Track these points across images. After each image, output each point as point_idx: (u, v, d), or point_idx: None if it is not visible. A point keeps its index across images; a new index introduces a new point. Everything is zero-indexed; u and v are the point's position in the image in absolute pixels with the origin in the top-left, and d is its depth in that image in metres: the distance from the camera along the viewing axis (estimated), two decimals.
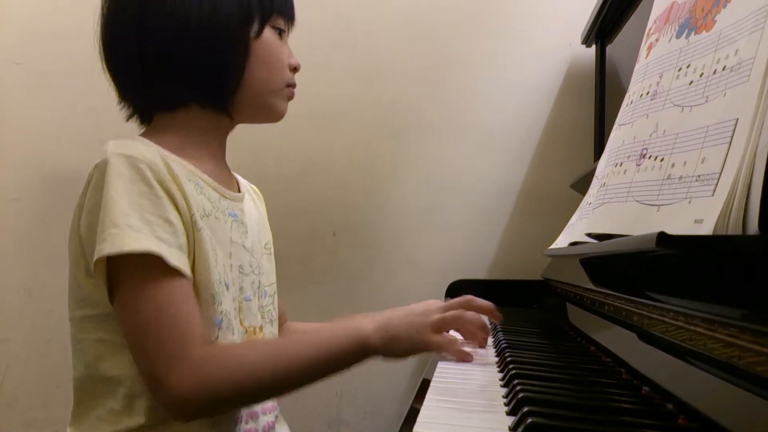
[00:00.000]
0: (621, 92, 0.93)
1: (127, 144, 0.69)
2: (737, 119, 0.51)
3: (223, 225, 0.75)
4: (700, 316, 0.50)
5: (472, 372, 0.74)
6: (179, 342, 0.65)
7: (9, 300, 1.54)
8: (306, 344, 0.73)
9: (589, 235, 0.79)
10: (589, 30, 1.39)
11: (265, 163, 1.51)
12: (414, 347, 0.75)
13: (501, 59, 1.55)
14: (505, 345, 0.82)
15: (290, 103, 0.83)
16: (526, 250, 1.49)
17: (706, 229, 0.49)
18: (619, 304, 0.73)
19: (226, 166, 0.85)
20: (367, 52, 1.56)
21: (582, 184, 1.19)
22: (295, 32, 0.84)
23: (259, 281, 0.82)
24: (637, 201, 0.67)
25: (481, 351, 0.84)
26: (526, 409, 0.52)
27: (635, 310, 0.67)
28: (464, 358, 0.78)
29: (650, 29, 0.83)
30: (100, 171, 0.67)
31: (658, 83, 0.73)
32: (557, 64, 1.53)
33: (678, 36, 0.71)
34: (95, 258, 0.65)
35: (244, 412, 0.76)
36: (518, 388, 0.59)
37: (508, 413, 0.56)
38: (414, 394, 0.67)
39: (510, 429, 0.51)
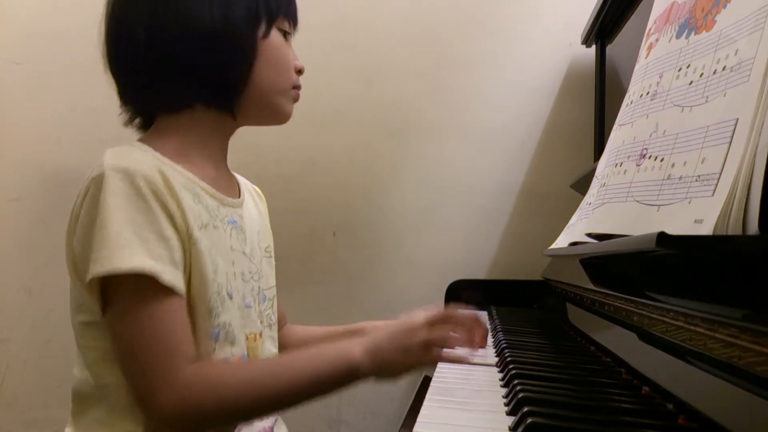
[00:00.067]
0: (621, 92, 0.93)
1: (124, 154, 0.69)
2: (737, 119, 0.51)
3: (222, 233, 0.75)
4: (700, 316, 0.50)
5: (472, 372, 0.74)
6: (166, 363, 0.65)
7: (9, 300, 1.54)
8: (294, 369, 0.71)
9: (589, 235, 0.79)
10: (589, 30, 1.39)
11: (265, 163, 1.51)
12: (404, 369, 0.74)
13: (501, 59, 1.55)
14: (505, 345, 0.82)
15: None
16: (526, 250, 1.48)
17: (706, 229, 0.49)
18: (619, 304, 0.73)
19: (227, 170, 0.85)
20: (367, 52, 1.56)
21: (582, 184, 1.19)
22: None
23: (259, 286, 0.82)
24: (637, 201, 0.67)
25: (480, 351, 0.84)
26: (526, 409, 0.52)
27: (635, 310, 0.67)
28: (460, 360, 0.78)
29: (650, 29, 0.83)
30: (96, 185, 0.66)
31: (658, 83, 0.73)
32: (557, 64, 1.53)
33: (678, 36, 0.71)
34: (89, 278, 0.65)
35: None
36: (518, 388, 0.59)
37: (508, 413, 0.56)
38: (414, 394, 0.67)
39: (510, 429, 0.52)
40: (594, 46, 1.43)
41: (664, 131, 0.66)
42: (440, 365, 0.75)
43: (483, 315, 0.86)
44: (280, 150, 1.53)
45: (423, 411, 0.56)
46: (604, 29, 1.36)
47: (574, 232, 0.95)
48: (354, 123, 1.55)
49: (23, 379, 1.54)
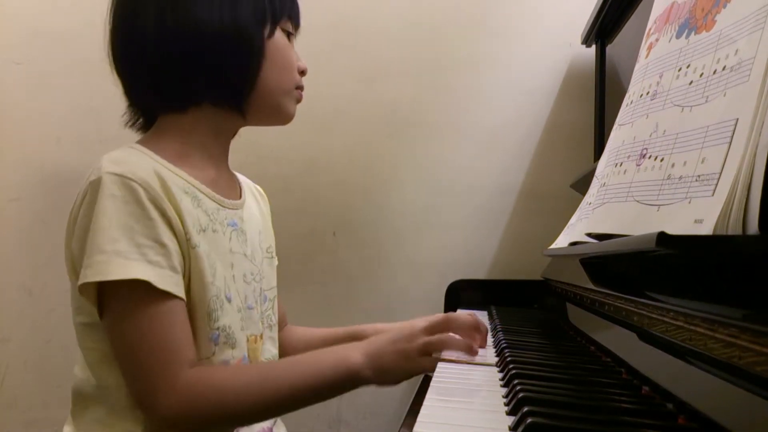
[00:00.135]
0: (621, 92, 0.93)
1: (122, 159, 0.69)
2: (737, 119, 0.51)
3: (221, 237, 0.75)
4: (700, 316, 0.50)
5: (472, 372, 0.74)
6: (165, 367, 0.65)
7: (9, 300, 1.54)
8: (294, 373, 0.71)
9: (589, 235, 0.79)
10: (589, 30, 1.39)
11: (265, 163, 1.51)
12: (404, 374, 0.74)
13: (501, 59, 1.55)
14: (505, 345, 0.82)
15: None
16: (526, 250, 1.49)
17: (706, 229, 0.49)
18: (619, 304, 0.73)
19: (228, 170, 0.85)
20: (367, 52, 1.56)
21: (582, 184, 1.19)
22: None
23: (260, 287, 0.82)
24: (637, 201, 0.67)
25: (481, 351, 0.84)
26: (526, 408, 0.52)
27: (635, 309, 0.67)
28: (460, 360, 0.78)
29: (650, 29, 0.83)
30: (94, 190, 0.67)
31: (658, 83, 0.73)
32: (557, 64, 1.53)
33: (678, 36, 0.71)
34: (80, 282, 0.65)
35: None
36: (518, 387, 0.59)
37: (508, 413, 0.56)
38: (414, 394, 0.67)
39: (510, 429, 0.51)
40: (594, 46, 1.43)
41: (664, 131, 0.66)
42: (440, 365, 0.75)
43: (482, 316, 0.85)
44: (280, 150, 1.53)
45: (423, 411, 0.56)
46: (604, 29, 1.36)
47: (574, 232, 0.95)
48: (354, 123, 1.55)
49: (23, 379, 1.54)
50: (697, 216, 0.52)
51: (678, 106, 0.65)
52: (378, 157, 1.55)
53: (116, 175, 0.66)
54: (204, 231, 0.72)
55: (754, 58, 0.52)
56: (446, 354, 0.78)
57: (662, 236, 0.47)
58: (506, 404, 0.58)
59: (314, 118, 1.51)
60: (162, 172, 0.70)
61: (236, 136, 0.86)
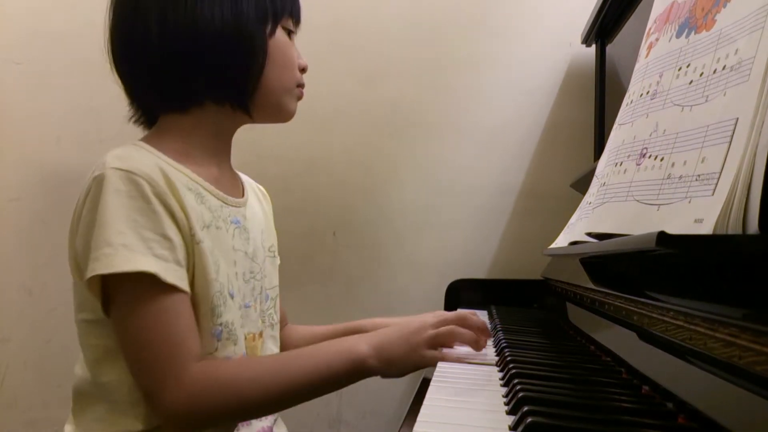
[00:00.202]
0: (621, 92, 0.93)
1: (126, 155, 0.69)
2: (737, 119, 0.51)
3: (224, 234, 0.75)
4: (700, 315, 0.50)
5: (472, 371, 0.74)
6: (171, 360, 0.65)
7: (9, 300, 1.54)
8: (299, 365, 0.71)
9: (589, 234, 0.79)
10: (589, 30, 1.39)
11: (265, 163, 1.51)
12: (410, 366, 0.74)
13: (501, 59, 1.55)
14: (505, 344, 0.82)
15: None
16: (525, 250, 1.49)
17: (706, 228, 0.49)
18: (619, 304, 0.73)
19: (231, 169, 0.85)
20: (367, 52, 1.56)
21: (582, 184, 1.19)
22: None
23: (261, 286, 0.82)
24: (637, 200, 0.67)
25: (481, 350, 0.84)
26: (526, 408, 0.52)
27: (635, 309, 0.67)
28: (461, 359, 0.78)
29: (650, 29, 0.83)
30: (98, 185, 0.67)
31: (658, 83, 0.73)
32: (557, 63, 1.53)
33: (678, 35, 0.71)
34: (88, 276, 0.65)
35: None
36: (518, 387, 0.59)
37: (508, 412, 0.56)
38: (414, 393, 0.67)
39: (510, 428, 0.51)
40: (594, 46, 1.43)
41: (664, 130, 0.66)
42: (440, 365, 0.75)
43: (482, 315, 0.85)
44: (280, 150, 1.53)
45: (423, 410, 0.56)
46: (604, 29, 1.36)
47: (574, 231, 0.95)
48: (354, 123, 1.55)
49: (23, 379, 1.54)
50: (697, 215, 0.52)
51: (678, 105, 0.65)
52: (378, 157, 1.55)
53: (121, 170, 0.67)
54: (207, 227, 0.72)
55: (754, 57, 0.52)
56: (449, 351, 0.78)
57: (662, 236, 0.47)
58: (506, 404, 0.58)
59: (314, 117, 1.51)
60: (166, 168, 0.70)
61: (236, 136, 0.86)
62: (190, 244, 0.70)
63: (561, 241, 1.03)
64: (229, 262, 0.75)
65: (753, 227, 0.46)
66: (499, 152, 1.54)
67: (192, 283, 0.70)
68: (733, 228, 0.47)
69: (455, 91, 1.55)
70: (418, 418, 0.53)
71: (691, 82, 0.63)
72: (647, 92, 0.75)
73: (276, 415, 0.86)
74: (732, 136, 0.51)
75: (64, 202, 0.77)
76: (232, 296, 0.74)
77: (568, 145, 1.51)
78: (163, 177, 0.69)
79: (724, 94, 0.55)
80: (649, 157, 0.68)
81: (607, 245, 0.69)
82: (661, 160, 0.64)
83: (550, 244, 1.11)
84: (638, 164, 0.71)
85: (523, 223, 1.52)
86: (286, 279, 0.94)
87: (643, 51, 0.83)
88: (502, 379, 0.69)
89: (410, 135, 1.55)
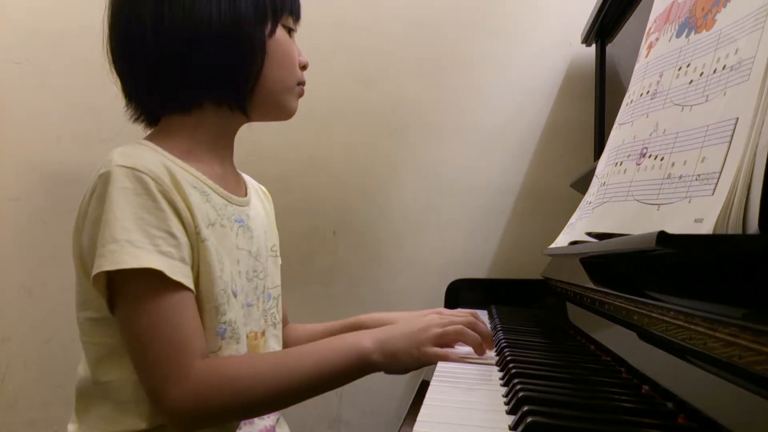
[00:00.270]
0: (621, 91, 0.93)
1: (132, 153, 0.69)
2: (737, 118, 0.51)
3: (228, 232, 0.75)
4: (700, 315, 0.50)
5: (472, 371, 0.74)
6: (176, 358, 0.65)
7: (9, 300, 1.54)
8: (304, 361, 0.71)
9: (589, 234, 0.79)
10: (589, 29, 1.39)
11: (265, 163, 1.51)
12: (414, 363, 0.74)
13: (501, 59, 1.55)
14: (505, 344, 0.82)
15: None
16: (525, 250, 1.49)
17: (706, 228, 0.49)
18: (619, 303, 0.73)
19: (234, 168, 0.85)
20: (367, 52, 1.56)
21: (582, 184, 1.19)
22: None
23: (264, 285, 0.82)
24: (637, 200, 0.67)
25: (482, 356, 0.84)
26: (526, 408, 0.52)
27: (635, 309, 0.67)
28: (462, 359, 0.78)
29: (650, 28, 0.83)
30: (104, 182, 0.67)
31: (658, 82, 0.73)
32: (557, 63, 1.53)
33: (678, 35, 0.71)
34: (94, 272, 0.65)
35: None
36: (518, 387, 0.59)
37: (508, 412, 0.56)
38: (414, 393, 0.67)
39: (510, 428, 0.51)
40: (594, 46, 1.43)
41: (664, 130, 0.66)
42: (440, 364, 0.75)
43: (482, 315, 0.85)
44: (280, 150, 1.53)
45: (423, 410, 0.56)
46: (604, 28, 1.36)
47: (574, 231, 0.95)
48: (354, 123, 1.55)
49: (23, 379, 1.54)
50: (697, 215, 0.52)
51: (678, 105, 0.65)
52: (378, 157, 1.55)
53: (127, 167, 0.67)
54: (212, 225, 0.73)
55: (754, 57, 0.52)
56: (457, 348, 0.78)
57: (662, 235, 0.47)
58: (506, 403, 0.58)
59: (314, 117, 1.51)
60: (171, 166, 0.70)
61: (237, 136, 0.86)
62: (195, 242, 0.70)
63: (561, 241, 1.03)
64: (232, 261, 0.75)
65: (753, 227, 0.46)
66: (499, 152, 1.54)
67: (196, 281, 0.70)
68: (733, 228, 0.47)
69: (455, 91, 1.55)
70: (418, 418, 0.53)
71: (691, 81, 0.63)
72: (647, 92, 0.75)
73: (278, 414, 0.86)
74: (732, 136, 0.51)
75: (64, 202, 0.77)
76: (235, 295, 0.74)
77: (568, 145, 1.51)
78: (169, 175, 0.69)
79: (724, 94, 0.55)
80: (649, 156, 0.68)
81: (607, 245, 0.69)
82: (661, 159, 0.64)
83: (550, 244, 1.11)
84: (638, 164, 0.71)
85: (523, 223, 1.52)
86: (287, 278, 0.95)
87: (643, 51, 0.84)
88: (502, 378, 0.69)
89: (410, 135, 1.55)
